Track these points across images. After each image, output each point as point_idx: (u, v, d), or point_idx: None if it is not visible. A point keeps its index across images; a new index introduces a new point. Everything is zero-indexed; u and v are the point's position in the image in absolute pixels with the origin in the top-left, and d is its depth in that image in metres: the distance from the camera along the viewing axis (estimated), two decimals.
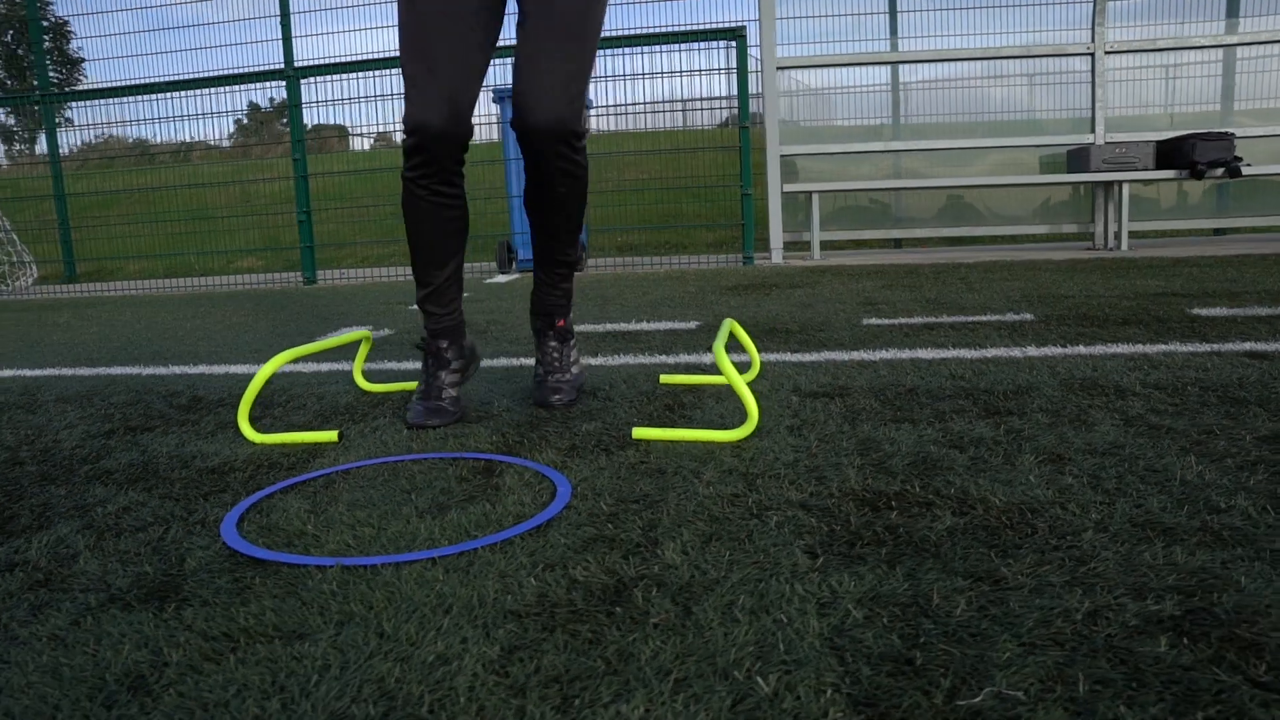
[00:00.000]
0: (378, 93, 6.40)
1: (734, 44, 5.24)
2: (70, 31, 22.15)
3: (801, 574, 0.87)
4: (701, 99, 5.78)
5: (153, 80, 6.61)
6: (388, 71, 6.04)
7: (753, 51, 5.35)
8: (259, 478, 1.36)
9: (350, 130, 9.39)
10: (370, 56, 5.91)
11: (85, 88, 10.25)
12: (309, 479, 1.33)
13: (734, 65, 5.29)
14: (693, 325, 2.82)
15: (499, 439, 1.51)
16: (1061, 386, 1.67)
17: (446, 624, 0.81)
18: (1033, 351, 2.06)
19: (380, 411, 1.79)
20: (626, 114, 6.44)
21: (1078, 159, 5.77)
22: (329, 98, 6.44)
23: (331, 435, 1.56)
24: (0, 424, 1.88)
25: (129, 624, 0.85)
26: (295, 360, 2.45)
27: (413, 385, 1.99)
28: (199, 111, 7.12)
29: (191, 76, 6.13)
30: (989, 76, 6.37)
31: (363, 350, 2.04)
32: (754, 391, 1.76)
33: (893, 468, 1.22)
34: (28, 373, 2.59)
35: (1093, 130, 5.94)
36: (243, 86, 6.12)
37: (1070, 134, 6.03)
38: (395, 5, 1.61)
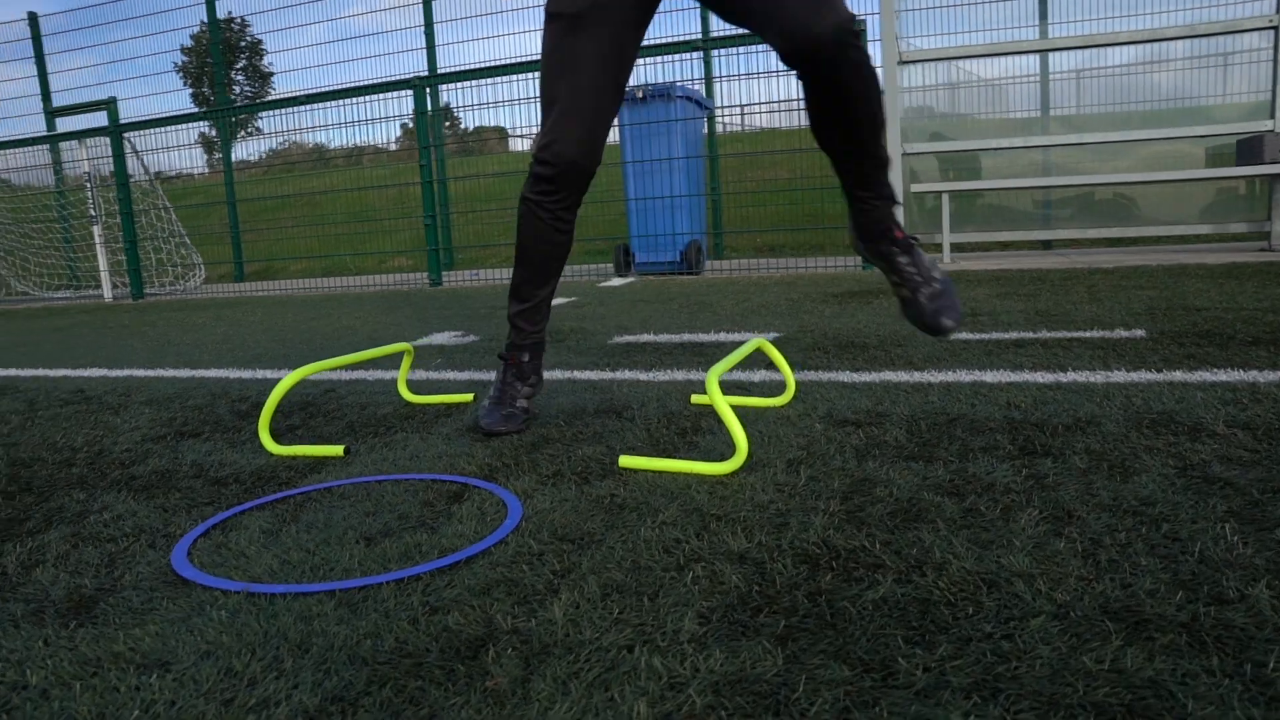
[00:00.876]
0: (523, 96, 6.57)
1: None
2: (264, 49, 24.18)
3: (673, 645, 0.79)
4: None
5: (298, 93, 7.08)
6: (526, 76, 6.18)
7: (874, 46, 5.09)
8: (256, 490, 1.40)
9: (510, 132, 9.67)
10: (509, 61, 6.08)
11: (262, 100, 11.14)
12: (286, 496, 1.35)
13: None
14: (769, 337, 2.71)
15: (493, 458, 1.48)
16: (1128, 422, 1.46)
17: (291, 665, 0.79)
18: (1117, 377, 1.83)
19: (408, 425, 1.81)
20: (761, 113, 6.32)
21: (1250, 149, 5.14)
22: (487, 100, 6.63)
23: (338, 450, 1.59)
24: (83, 424, 2.04)
25: (24, 640, 0.88)
26: (338, 368, 2.53)
27: (453, 398, 2.01)
28: (368, 117, 7.49)
29: (340, 87, 6.52)
30: (1148, 61, 5.78)
31: (405, 363, 2.08)
32: (780, 415, 1.66)
33: (867, 517, 1.09)
34: (139, 373, 2.82)
35: (1272, 116, 5.27)
36: (399, 93, 6.35)
37: (1243, 121, 5.38)
38: (543, 29, 1.63)
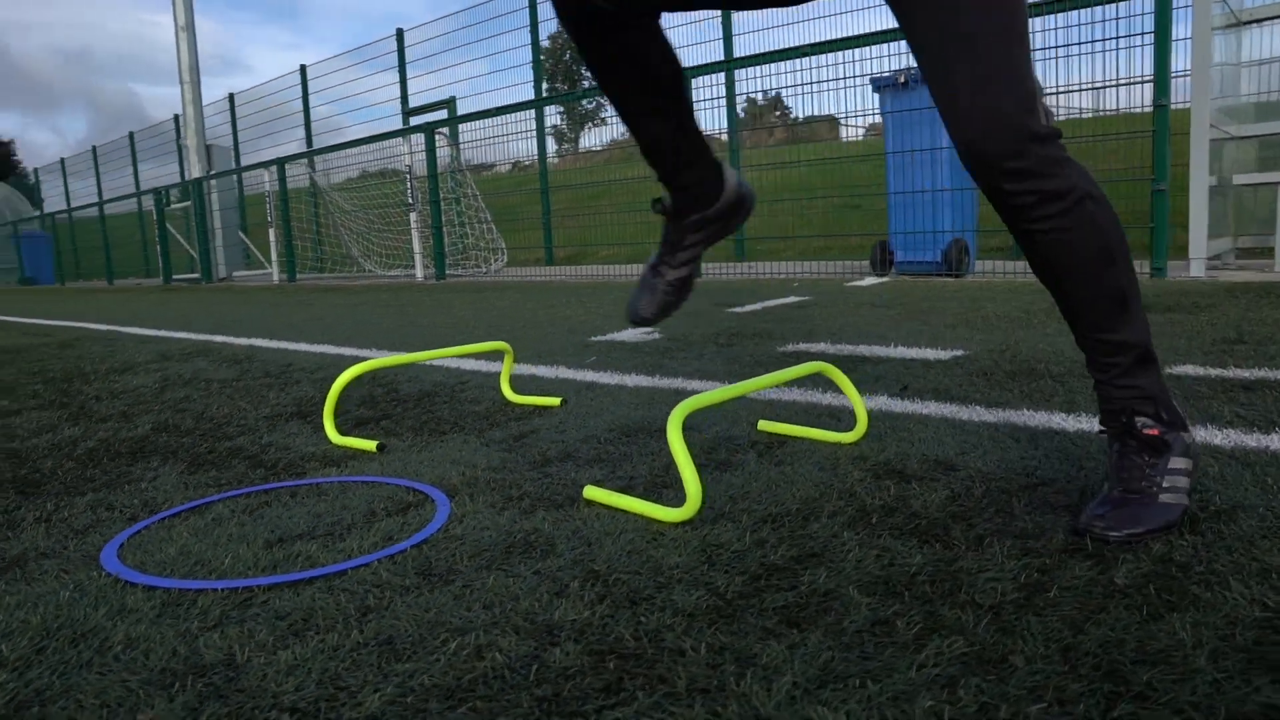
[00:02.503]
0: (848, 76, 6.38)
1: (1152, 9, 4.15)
2: None
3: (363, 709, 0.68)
4: (1115, 80, 4.69)
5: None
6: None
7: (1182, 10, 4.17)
8: (271, 476, 1.48)
9: (841, 120, 9.16)
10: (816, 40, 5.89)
11: (572, 93, 11.91)
12: (274, 488, 1.41)
13: (1150, 29, 4.19)
14: (952, 354, 2.34)
15: (487, 471, 1.43)
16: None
17: (34, 646, 0.80)
18: None
19: (475, 426, 1.82)
20: (1061, 94, 5.52)
21: None
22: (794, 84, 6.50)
23: (371, 445, 1.62)
24: (244, 396, 2.32)
25: None
26: (437, 359, 2.60)
27: (543, 401, 1.98)
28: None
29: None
30: None
31: (506, 362, 2.08)
32: (832, 455, 1.41)
33: (752, 608, 0.87)
34: (329, 349, 3.15)
35: None
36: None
37: None
38: None
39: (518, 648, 0.81)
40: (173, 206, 12.46)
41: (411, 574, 1.01)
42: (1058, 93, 5.35)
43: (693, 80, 6.19)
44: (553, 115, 12.55)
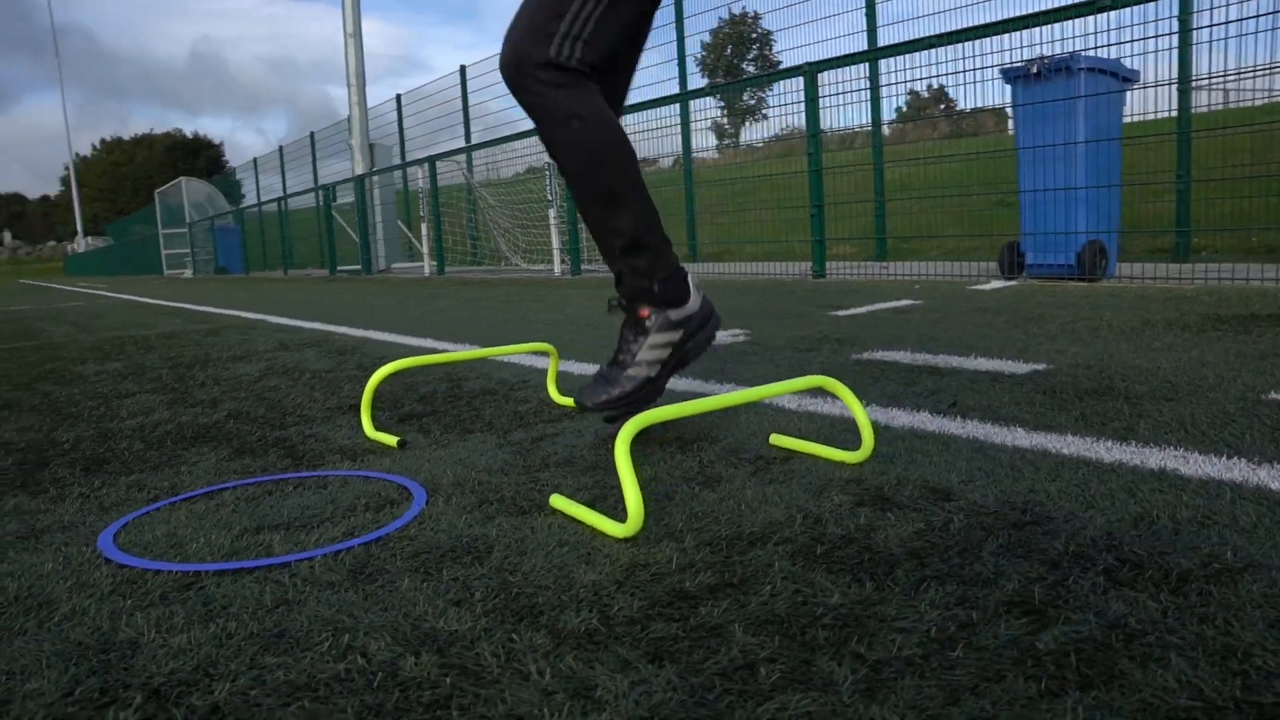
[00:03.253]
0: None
1: None
2: (773, 40, 25.73)
3: None
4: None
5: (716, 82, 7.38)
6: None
7: None
8: (293, 466, 1.57)
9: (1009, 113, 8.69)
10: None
11: (749, 76, 11.81)
12: (274, 480, 1.49)
13: None
14: (1031, 368, 2.17)
15: (489, 474, 1.45)
16: None
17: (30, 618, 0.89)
18: None
19: (506, 426, 1.86)
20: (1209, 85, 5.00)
21: None
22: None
23: (392, 440, 1.69)
24: (325, 387, 2.46)
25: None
26: (485, 358, 2.63)
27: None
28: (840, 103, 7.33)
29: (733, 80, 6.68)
30: None
31: (552, 364, 2.11)
32: (828, 477, 1.34)
33: (629, 637, 0.85)
34: (427, 343, 3.28)
35: None
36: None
37: None
38: None
39: (380, 653, 0.82)
40: (338, 202, 13.40)
41: (344, 571, 1.05)
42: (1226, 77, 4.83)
43: (829, 72, 5.99)
44: (711, 109, 12.42)
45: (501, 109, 13.18)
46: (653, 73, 11.06)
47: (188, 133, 61.79)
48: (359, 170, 13.00)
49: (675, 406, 1.24)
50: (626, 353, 1.53)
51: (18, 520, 1.32)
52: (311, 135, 19.16)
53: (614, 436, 1.67)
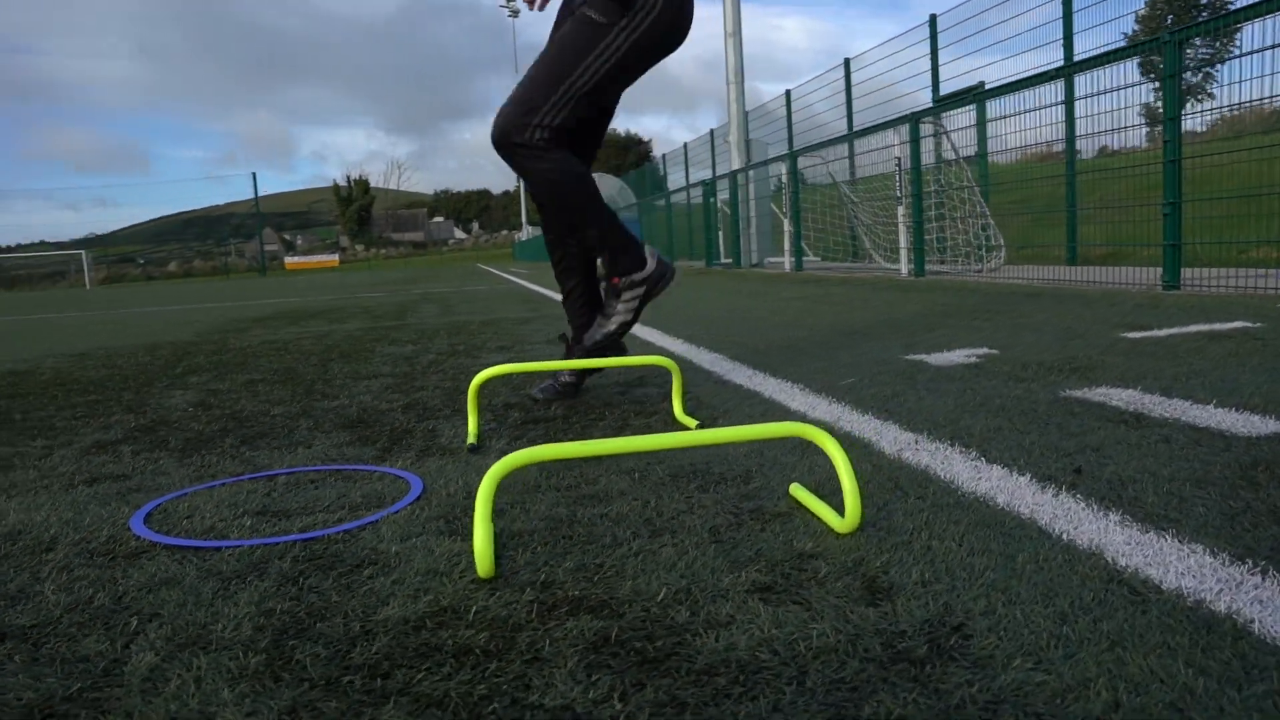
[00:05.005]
0: None
1: None
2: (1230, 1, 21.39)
3: None
4: None
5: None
6: None
7: None
8: (374, 460, 1.82)
9: None
10: None
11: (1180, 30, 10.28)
12: (319, 470, 1.73)
13: None
14: (1261, 433, 1.67)
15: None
16: None
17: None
18: None
19: (585, 436, 1.93)
20: None
21: None
22: None
23: (473, 439, 1.87)
24: (487, 383, 2.72)
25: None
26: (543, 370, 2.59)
27: (686, 422, 1.99)
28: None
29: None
30: None
31: (675, 382, 2.11)
32: (808, 532, 1.21)
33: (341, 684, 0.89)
34: (675, 346, 3.39)
35: None
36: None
37: None
38: None
39: (264, 650, 0.93)
40: (715, 198, 14.09)
41: (293, 561, 1.21)
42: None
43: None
44: (1145, 93, 10.54)
45: (873, 104, 12.75)
46: (1029, 58, 9.91)
47: (622, 131, 68.87)
48: (735, 166, 13.55)
49: (542, 449, 1.18)
50: (610, 307, 2.21)
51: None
52: (711, 132, 20.33)
53: (672, 467, 1.65)
